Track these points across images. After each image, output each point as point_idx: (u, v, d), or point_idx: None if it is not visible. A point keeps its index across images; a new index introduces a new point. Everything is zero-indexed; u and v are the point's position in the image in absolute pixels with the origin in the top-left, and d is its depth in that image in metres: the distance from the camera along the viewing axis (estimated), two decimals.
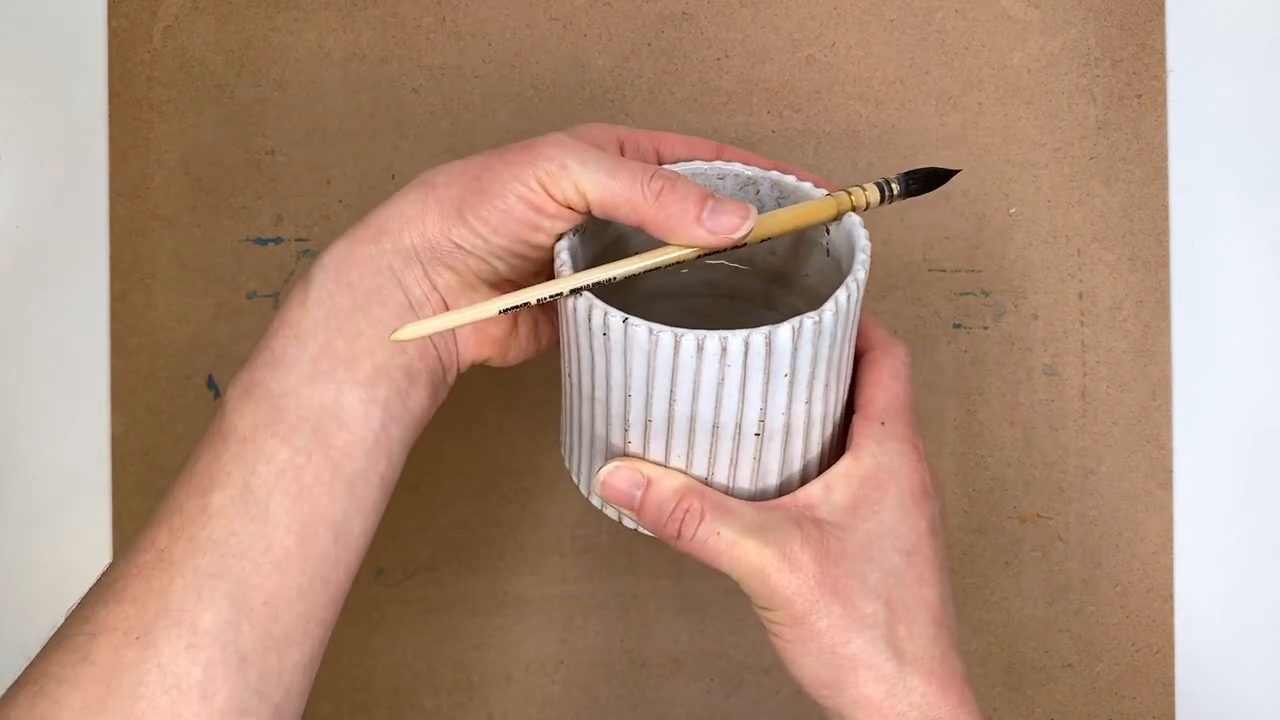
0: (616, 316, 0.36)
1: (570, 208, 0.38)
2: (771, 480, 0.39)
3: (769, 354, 0.35)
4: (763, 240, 0.38)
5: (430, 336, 0.39)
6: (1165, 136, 0.56)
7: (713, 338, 0.35)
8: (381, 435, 0.37)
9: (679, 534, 0.37)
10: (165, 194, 0.56)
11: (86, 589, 0.37)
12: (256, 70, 0.56)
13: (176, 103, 0.56)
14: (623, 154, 0.41)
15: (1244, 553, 0.57)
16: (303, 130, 0.56)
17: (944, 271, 0.56)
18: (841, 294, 0.36)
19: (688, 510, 0.37)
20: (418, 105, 0.56)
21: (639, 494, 0.38)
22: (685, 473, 0.38)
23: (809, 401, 0.37)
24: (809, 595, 0.35)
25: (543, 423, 0.56)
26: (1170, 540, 0.56)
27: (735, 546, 0.36)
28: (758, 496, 0.39)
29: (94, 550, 0.56)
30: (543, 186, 0.37)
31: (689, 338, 0.35)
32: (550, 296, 0.37)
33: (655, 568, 0.56)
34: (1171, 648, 0.56)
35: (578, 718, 0.56)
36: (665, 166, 0.41)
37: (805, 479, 0.39)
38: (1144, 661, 0.56)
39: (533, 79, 0.56)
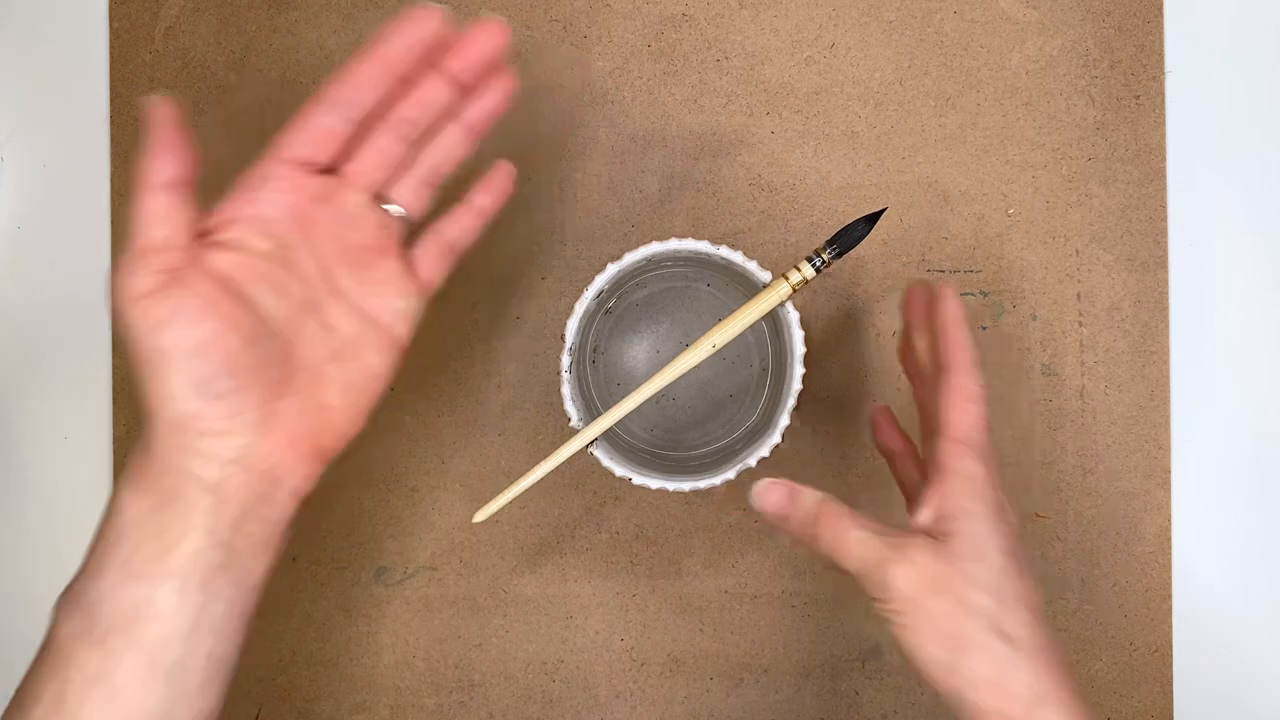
0: (632, 477, 0.47)
1: None
2: None
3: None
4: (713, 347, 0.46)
5: (245, 491, 0.40)
6: (1163, 137, 0.57)
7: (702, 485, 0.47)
8: (202, 617, 0.39)
9: (817, 536, 0.43)
10: None
11: None
12: (258, 71, 0.57)
13: (178, 103, 0.56)
14: None
15: (1242, 552, 0.57)
16: None
17: (942, 272, 0.57)
18: (783, 419, 0.47)
19: (828, 515, 0.43)
20: None
21: (789, 504, 0.44)
22: None
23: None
24: (924, 586, 0.40)
25: (544, 424, 0.56)
26: (1168, 540, 0.56)
27: (862, 544, 0.41)
28: None
29: None
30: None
31: (685, 486, 0.47)
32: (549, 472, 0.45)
33: (655, 568, 0.57)
34: (1170, 647, 0.56)
35: (578, 717, 0.57)
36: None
37: None
38: (1142, 660, 0.56)
39: (533, 80, 0.57)
